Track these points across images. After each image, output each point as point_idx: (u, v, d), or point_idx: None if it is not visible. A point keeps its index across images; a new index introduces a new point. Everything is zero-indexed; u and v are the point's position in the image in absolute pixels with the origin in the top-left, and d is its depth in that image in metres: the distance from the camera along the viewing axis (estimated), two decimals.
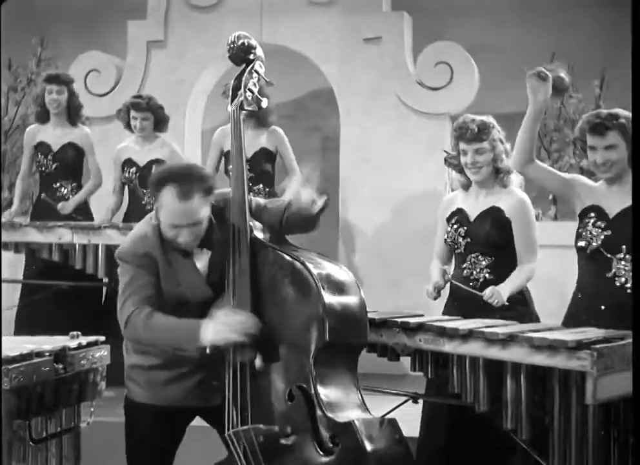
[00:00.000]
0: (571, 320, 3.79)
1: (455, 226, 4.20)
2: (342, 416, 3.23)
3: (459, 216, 4.22)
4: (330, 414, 3.21)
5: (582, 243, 3.84)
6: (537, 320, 4.10)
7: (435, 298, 4.22)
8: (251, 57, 3.61)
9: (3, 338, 3.91)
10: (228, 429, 3.32)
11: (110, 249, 5.77)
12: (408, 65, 7.09)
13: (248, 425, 3.30)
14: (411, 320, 3.56)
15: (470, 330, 3.35)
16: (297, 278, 3.29)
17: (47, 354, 3.51)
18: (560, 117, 7.19)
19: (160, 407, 3.46)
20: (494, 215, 4.13)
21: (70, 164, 6.49)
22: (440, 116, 7.00)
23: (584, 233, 3.83)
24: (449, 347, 3.40)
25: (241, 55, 3.61)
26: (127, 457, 3.57)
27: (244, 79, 3.57)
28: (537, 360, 3.15)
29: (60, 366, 3.56)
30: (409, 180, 6.93)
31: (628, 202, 3.62)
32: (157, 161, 6.24)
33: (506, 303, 3.98)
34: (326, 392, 3.26)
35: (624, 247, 3.69)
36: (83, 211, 6.48)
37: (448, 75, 6.98)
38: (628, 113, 3.69)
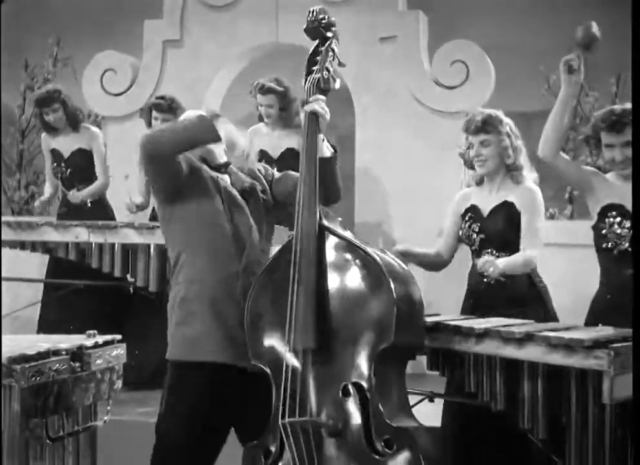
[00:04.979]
0: (598, 321, 3.72)
1: (469, 222, 4.18)
2: (396, 421, 3.16)
3: (472, 212, 4.19)
4: (386, 419, 3.13)
5: (608, 245, 3.81)
6: (554, 318, 4.08)
7: None
8: (330, 34, 3.49)
9: (21, 336, 3.94)
10: (283, 418, 3.24)
11: (126, 248, 5.78)
12: (424, 64, 7.08)
13: (305, 417, 3.21)
14: (428, 319, 3.54)
15: (486, 329, 3.34)
16: (366, 270, 3.19)
17: (64, 352, 3.52)
18: (577, 116, 7.14)
19: (212, 364, 3.44)
20: (506, 210, 4.10)
21: (83, 168, 6.54)
22: (456, 115, 6.96)
23: (608, 234, 3.80)
24: (465, 346, 3.39)
25: (320, 30, 3.48)
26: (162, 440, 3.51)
27: (321, 56, 3.44)
28: (554, 359, 3.14)
29: (77, 365, 3.57)
30: (424, 178, 6.91)
31: None
32: None
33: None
34: (382, 393, 3.17)
35: None
36: (100, 209, 6.51)
37: (464, 74, 6.97)
38: None
